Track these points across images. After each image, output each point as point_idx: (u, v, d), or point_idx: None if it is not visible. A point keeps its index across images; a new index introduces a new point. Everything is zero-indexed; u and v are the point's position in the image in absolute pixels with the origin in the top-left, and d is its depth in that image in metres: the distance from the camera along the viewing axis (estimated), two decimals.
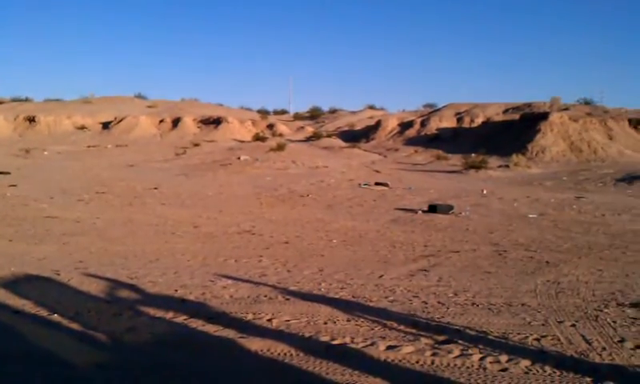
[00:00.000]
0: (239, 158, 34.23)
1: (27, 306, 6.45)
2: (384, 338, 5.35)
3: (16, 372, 4.61)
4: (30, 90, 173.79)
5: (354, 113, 64.89)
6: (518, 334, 5.47)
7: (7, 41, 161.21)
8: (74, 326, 5.79)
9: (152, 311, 6.27)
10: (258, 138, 45.14)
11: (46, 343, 5.34)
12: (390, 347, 5.07)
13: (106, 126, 52.93)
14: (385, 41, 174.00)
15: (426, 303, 6.73)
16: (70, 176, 25.42)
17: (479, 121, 46.68)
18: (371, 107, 67.20)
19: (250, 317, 6.13)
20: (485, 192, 20.96)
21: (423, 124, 47.75)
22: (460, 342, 5.19)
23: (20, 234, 11.66)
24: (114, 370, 4.73)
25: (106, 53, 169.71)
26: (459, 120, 47.97)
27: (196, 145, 42.87)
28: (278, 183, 24.22)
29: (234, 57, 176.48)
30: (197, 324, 5.83)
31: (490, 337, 5.42)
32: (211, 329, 5.68)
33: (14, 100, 65.60)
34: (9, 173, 24.97)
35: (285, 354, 4.91)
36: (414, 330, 5.58)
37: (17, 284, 7.38)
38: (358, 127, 54.03)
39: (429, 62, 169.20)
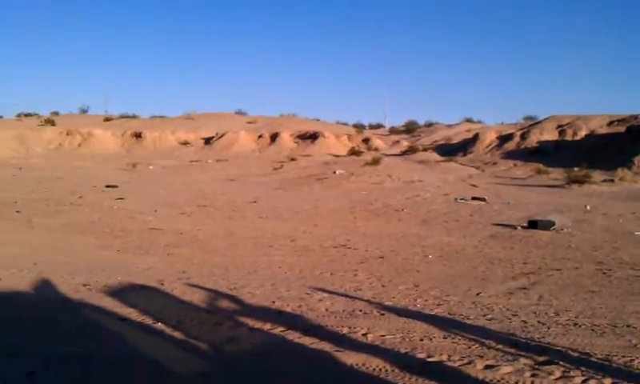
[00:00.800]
0: (335, 172, 34.47)
1: (133, 314, 6.74)
2: (482, 356, 5.22)
3: (122, 377, 4.81)
4: (137, 107, 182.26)
5: (450, 126, 63.88)
6: (623, 356, 5.22)
7: (119, 64, 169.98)
8: (177, 334, 6.00)
9: (251, 322, 6.40)
10: (353, 152, 45.29)
11: (151, 350, 5.56)
12: (488, 367, 4.95)
13: (207, 141, 54.68)
14: (481, 52, 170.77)
15: (526, 322, 6.53)
16: (174, 190, 26.40)
17: (582, 133, 44.76)
18: (468, 120, 65.93)
19: (345, 330, 6.14)
20: (588, 207, 20.08)
21: (523, 137, 46.32)
22: (561, 363, 5.00)
23: (127, 245, 12.22)
24: (215, 379, 4.86)
25: (209, 71, 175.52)
26: (561, 133, 46.19)
27: (293, 159, 43.57)
28: (373, 197, 24.19)
29: (330, 72, 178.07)
30: (294, 336, 5.91)
31: (593, 359, 5.19)
32: (308, 341, 5.74)
33: (122, 117, 69.01)
34: (117, 186, 26.19)
35: (380, 370, 4.89)
36: (512, 350, 5.42)
37: (124, 293, 7.73)
38: (455, 141, 53.14)
39: (528, 73, 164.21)
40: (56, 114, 70.71)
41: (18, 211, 17.08)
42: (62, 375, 4.74)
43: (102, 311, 6.88)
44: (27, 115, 70.28)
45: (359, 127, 68.29)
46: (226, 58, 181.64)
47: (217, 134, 54.90)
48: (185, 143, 54.78)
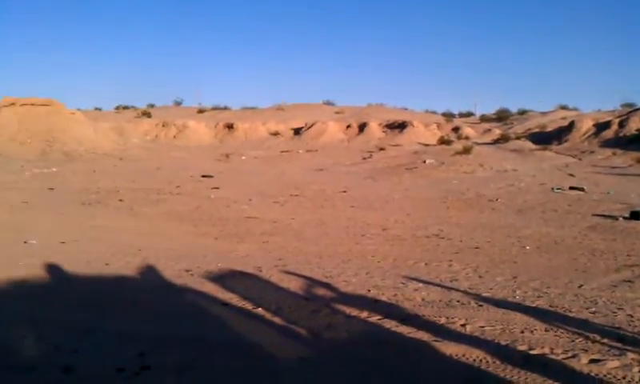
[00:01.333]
0: (424, 162, 34.14)
1: (234, 299, 6.97)
2: (586, 350, 5.09)
3: (224, 360, 4.99)
4: (229, 99, 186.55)
5: (544, 114, 61.72)
6: None
7: (211, 58, 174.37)
8: (277, 320, 6.15)
9: (347, 310, 6.48)
10: (443, 141, 44.63)
11: (252, 335, 5.74)
12: (593, 361, 4.82)
13: (297, 131, 55.33)
14: (576, 36, 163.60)
15: (632, 316, 6.29)
16: (266, 179, 26.92)
17: None
18: (563, 107, 63.47)
19: (442, 321, 6.12)
20: None
21: (621, 124, 44.13)
22: None
23: (224, 233, 12.59)
24: (313, 364, 4.97)
25: (298, 62, 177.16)
26: None
27: (382, 149, 43.45)
28: (464, 187, 23.80)
29: (419, 61, 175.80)
30: (390, 325, 5.94)
31: None
32: (405, 330, 5.76)
33: (215, 108, 70.87)
34: (212, 176, 26.94)
35: (481, 361, 4.85)
36: (619, 345, 5.24)
37: (224, 278, 7.99)
38: (549, 128, 51.32)
39: (626, 57, 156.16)
40: (152, 106, 73.44)
41: (120, 200, 17.90)
42: (169, 357, 4.96)
43: (204, 296, 7.15)
44: (125, 108, 73.40)
45: (448, 116, 67.19)
46: (315, 49, 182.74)
47: (306, 125, 55.44)
48: (275, 134, 55.67)
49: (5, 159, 32.42)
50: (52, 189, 20.66)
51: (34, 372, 4.56)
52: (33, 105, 39.27)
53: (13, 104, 39.36)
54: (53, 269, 8.42)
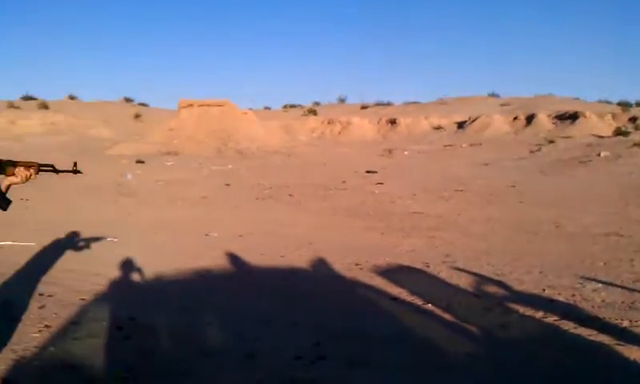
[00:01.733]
0: (599, 154, 32.10)
1: (403, 293, 7.03)
2: None
3: (396, 353, 5.07)
4: (391, 94, 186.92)
5: None
6: None
7: (373, 54, 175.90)
8: (447, 316, 6.13)
9: (521, 309, 6.31)
10: (619, 132, 41.57)
11: (422, 330, 5.78)
12: None
13: (460, 125, 54.32)
14: None
15: None
16: (429, 174, 26.71)
17: None
18: None
19: (625, 324, 5.78)
20: None
21: None
22: None
23: (390, 227, 12.69)
24: (484, 362, 4.92)
25: (461, 54, 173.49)
26: None
27: (551, 141, 41.41)
28: None
29: (591, 46, 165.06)
30: (568, 326, 5.71)
31: None
32: (584, 332, 5.51)
33: (377, 104, 71.39)
34: (376, 172, 27.20)
35: None
36: None
37: (391, 273, 8.07)
38: None
39: None
40: (317, 104, 75.55)
41: (290, 195, 18.63)
42: (343, 348, 5.12)
43: (373, 290, 7.28)
44: (292, 106, 76.14)
45: (625, 105, 62.38)
46: (478, 40, 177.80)
47: (469, 118, 54.23)
48: (438, 128, 55.06)
49: (184, 157, 34.93)
50: (228, 185, 21.93)
51: (220, 357, 4.92)
52: (209, 106, 41.94)
53: (190, 105, 42.30)
54: (233, 260, 8.99)
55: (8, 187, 3.16)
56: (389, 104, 71.69)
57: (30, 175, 3.17)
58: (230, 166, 30.07)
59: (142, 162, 31.50)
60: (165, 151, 37.37)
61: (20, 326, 5.41)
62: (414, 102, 70.77)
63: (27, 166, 3.16)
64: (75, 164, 3.38)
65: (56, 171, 3.26)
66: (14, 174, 3.13)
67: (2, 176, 3.13)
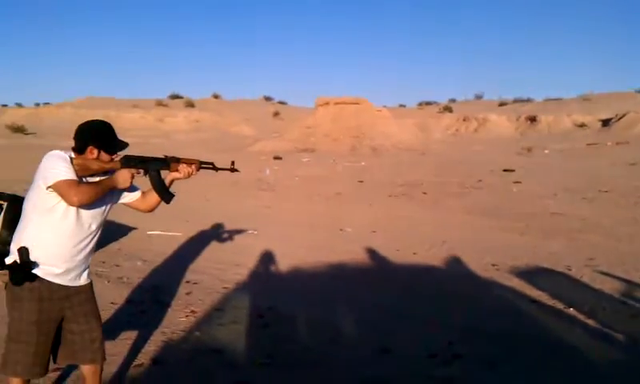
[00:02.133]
0: None
1: (543, 297, 6.80)
2: None
3: (536, 356, 4.92)
4: (531, 90, 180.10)
5: None
6: None
7: (511, 49, 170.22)
8: (590, 322, 5.87)
9: None
10: None
11: (564, 334, 5.57)
12: None
13: (605, 123, 51.34)
14: None
15: None
16: (571, 174, 25.45)
17: None
18: None
19: None
20: None
21: None
22: None
23: (529, 228, 12.26)
24: (630, 370, 4.69)
25: (606, 46, 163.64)
26: None
27: None
28: None
29: None
30: None
31: None
32: None
33: (516, 101, 69.08)
34: (513, 170, 26.35)
35: None
36: None
37: (531, 275, 7.81)
38: None
39: None
40: (453, 101, 74.38)
41: (424, 193, 18.50)
42: (479, 348, 5.05)
43: (512, 291, 7.10)
44: (427, 104, 75.44)
45: None
46: (621, 32, 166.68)
47: (616, 115, 51.06)
48: (581, 125, 52.39)
49: (319, 154, 35.64)
50: (361, 181, 22.15)
51: (355, 349, 5.01)
52: (344, 104, 42.47)
53: (327, 103, 43.05)
54: (367, 255, 9.10)
55: (172, 182, 3.41)
56: (528, 100, 69.12)
57: (192, 171, 3.40)
58: (363, 163, 30.32)
59: (280, 159, 32.52)
60: (301, 148, 38.33)
61: (169, 311, 5.81)
62: (556, 99, 67.75)
63: (189, 162, 3.39)
64: (233, 163, 3.56)
65: (215, 169, 3.46)
66: (177, 170, 3.37)
67: (166, 172, 3.38)
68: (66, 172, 3.00)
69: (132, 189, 3.37)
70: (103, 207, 3.25)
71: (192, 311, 5.81)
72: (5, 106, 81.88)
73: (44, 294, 3.10)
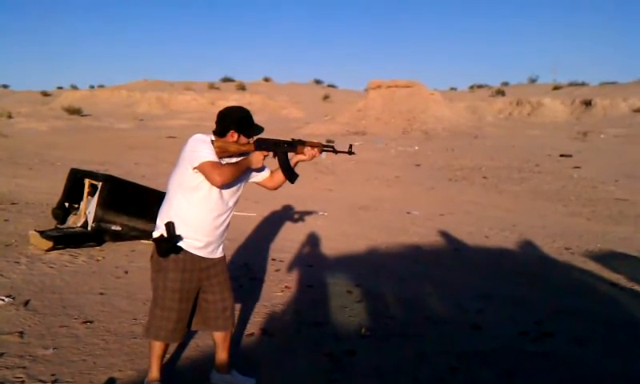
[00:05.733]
0: None
1: (621, 280, 6.93)
2: None
3: (624, 336, 5.06)
4: (587, 74, 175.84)
5: None
6: None
7: (566, 32, 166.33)
8: None
9: None
10: None
11: None
12: None
13: None
14: None
15: None
16: (630, 159, 24.93)
17: None
18: None
19: None
20: None
21: None
22: None
23: (595, 213, 12.25)
24: None
25: None
26: None
27: None
28: None
29: None
30: None
31: None
32: None
33: (571, 85, 67.67)
34: (570, 155, 25.99)
35: None
36: None
37: (606, 259, 7.91)
38: None
39: None
40: (506, 84, 73.31)
41: (484, 177, 18.48)
42: (567, 327, 5.21)
43: (589, 274, 7.23)
44: (479, 87, 74.50)
45: None
46: None
47: None
48: (638, 110, 51.07)
49: (371, 138, 35.69)
50: (418, 165, 22.22)
51: (446, 325, 5.23)
52: (397, 87, 42.39)
53: (379, 87, 43.03)
54: (439, 237, 9.29)
55: (296, 163, 3.68)
56: (583, 84, 67.62)
57: (315, 154, 3.65)
58: (416, 147, 30.27)
59: (332, 142, 32.71)
60: (353, 131, 38.45)
61: (263, 286, 6.12)
62: (612, 82, 66.12)
63: (313, 145, 3.64)
64: (350, 146, 3.78)
65: (335, 151, 3.69)
66: (303, 153, 3.62)
67: (291, 154, 3.65)
68: (210, 154, 3.29)
69: (261, 169, 3.65)
70: (239, 185, 3.55)
71: (286, 287, 6.12)
72: (60, 88, 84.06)
73: (187, 265, 3.41)
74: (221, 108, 3.63)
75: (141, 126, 42.35)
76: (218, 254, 3.60)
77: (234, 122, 3.44)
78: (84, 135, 32.12)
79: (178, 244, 3.37)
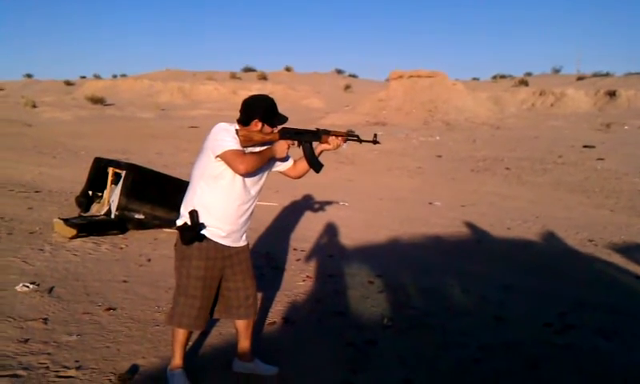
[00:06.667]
0: None
1: None
2: None
3: None
4: (611, 64, 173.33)
5: None
6: None
7: (591, 22, 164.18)
8: None
9: None
10: None
11: None
12: None
13: None
14: None
15: None
16: None
17: None
18: None
19: None
20: None
21: None
22: None
23: (619, 205, 12.09)
24: None
25: None
26: None
27: None
28: None
29: None
30: None
31: None
32: None
33: (595, 75, 66.70)
34: (594, 147, 25.68)
35: None
36: None
37: (631, 252, 7.83)
38: None
39: None
40: (529, 74, 72.47)
41: (507, 168, 18.33)
42: (591, 319, 5.16)
43: (613, 266, 7.15)
44: (502, 77, 73.72)
45: None
46: None
47: None
48: None
49: (392, 128, 35.52)
50: (440, 156, 22.09)
51: (469, 316, 5.20)
52: (419, 77, 42.08)
53: (400, 77, 42.74)
54: (462, 229, 9.24)
55: (321, 153, 3.67)
56: (608, 75, 66.59)
57: (340, 143, 3.64)
58: (437, 138, 30.07)
59: (353, 132, 32.59)
60: (373, 122, 38.27)
61: (285, 275, 6.14)
62: (637, 73, 65.02)
63: (338, 135, 3.63)
64: (375, 135, 3.77)
65: (360, 141, 3.67)
66: (327, 142, 3.61)
67: (316, 143, 3.63)
68: (233, 143, 3.28)
69: (285, 158, 3.64)
70: (262, 174, 3.54)
71: (307, 276, 6.12)
72: (84, 77, 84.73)
73: (210, 253, 3.42)
74: (242, 98, 3.62)
75: (163, 116, 42.50)
76: (242, 242, 3.60)
77: (258, 111, 3.43)
78: (107, 124, 32.32)
79: (202, 232, 3.38)
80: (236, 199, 3.43)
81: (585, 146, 25.71)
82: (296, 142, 3.57)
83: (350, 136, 3.65)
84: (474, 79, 74.70)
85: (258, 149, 3.44)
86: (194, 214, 3.36)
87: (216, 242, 3.43)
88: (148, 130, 29.53)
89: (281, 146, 3.45)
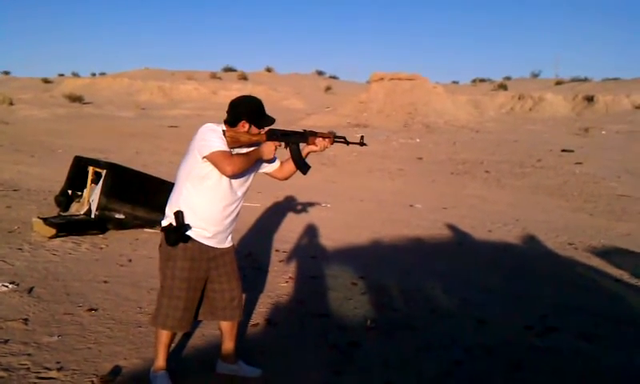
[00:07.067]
0: None
1: (624, 276, 6.95)
2: None
3: (633, 333, 5.07)
4: (589, 70, 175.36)
5: None
6: None
7: (569, 27, 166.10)
8: None
9: None
10: None
11: None
12: None
13: None
14: None
15: None
16: (632, 156, 24.92)
17: None
18: None
19: None
20: None
21: None
22: None
23: (598, 209, 12.26)
24: None
25: None
26: None
27: None
28: None
29: None
30: None
31: None
32: None
33: (573, 80, 67.43)
34: (572, 151, 25.95)
35: None
36: None
37: (609, 255, 7.93)
38: None
39: None
40: (508, 78, 73.11)
41: (487, 171, 18.48)
42: (572, 322, 5.21)
43: (592, 270, 7.23)
44: (481, 80, 74.32)
45: None
46: None
47: None
48: None
49: (373, 130, 35.61)
50: (420, 158, 22.19)
51: (451, 318, 5.22)
52: (399, 79, 42.22)
53: (381, 79, 42.85)
54: (442, 231, 9.28)
55: (307, 154, 3.66)
56: (586, 80, 67.37)
57: (327, 145, 3.63)
58: (417, 140, 30.21)
59: (335, 133, 32.58)
60: (354, 123, 38.33)
61: (267, 277, 6.12)
62: (615, 79, 65.90)
63: (325, 136, 3.63)
64: (362, 137, 3.78)
65: (347, 143, 3.66)
66: (314, 143, 3.60)
67: (303, 145, 3.62)
68: (220, 144, 3.26)
69: (272, 159, 3.63)
70: (249, 175, 3.53)
71: (290, 277, 6.11)
72: (62, 75, 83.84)
73: (195, 254, 3.40)
74: (223, 98, 3.60)
75: (142, 115, 42.17)
76: (227, 243, 3.58)
77: (245, 111, 3.41)
78: (85, 123, 31.98)
79: (187, 233, 3.35)
80: (222, 200, 3.40)
81: (563, 150, 25.96)
82: (283, 144, 3.57)
83: (337, 138, 3.64)
84: (454, 82, 75.23)
85: (245, 150, 3.42)
86: (179, 215, 3.33)
87: (201, 243, 3.41)
88: (127, 128, 29.30)
89: (268, 148, 3.44)
